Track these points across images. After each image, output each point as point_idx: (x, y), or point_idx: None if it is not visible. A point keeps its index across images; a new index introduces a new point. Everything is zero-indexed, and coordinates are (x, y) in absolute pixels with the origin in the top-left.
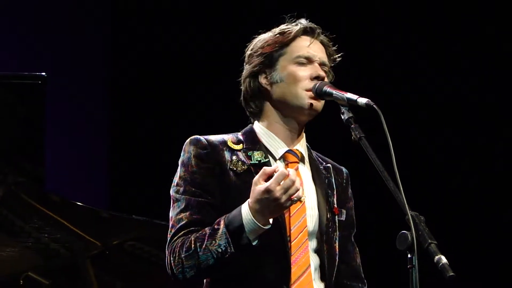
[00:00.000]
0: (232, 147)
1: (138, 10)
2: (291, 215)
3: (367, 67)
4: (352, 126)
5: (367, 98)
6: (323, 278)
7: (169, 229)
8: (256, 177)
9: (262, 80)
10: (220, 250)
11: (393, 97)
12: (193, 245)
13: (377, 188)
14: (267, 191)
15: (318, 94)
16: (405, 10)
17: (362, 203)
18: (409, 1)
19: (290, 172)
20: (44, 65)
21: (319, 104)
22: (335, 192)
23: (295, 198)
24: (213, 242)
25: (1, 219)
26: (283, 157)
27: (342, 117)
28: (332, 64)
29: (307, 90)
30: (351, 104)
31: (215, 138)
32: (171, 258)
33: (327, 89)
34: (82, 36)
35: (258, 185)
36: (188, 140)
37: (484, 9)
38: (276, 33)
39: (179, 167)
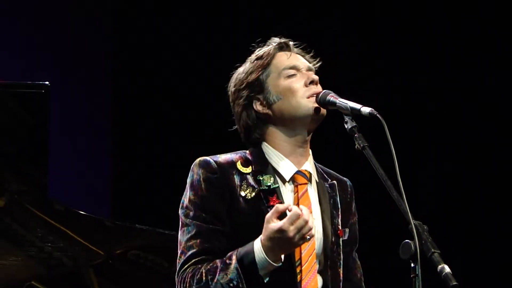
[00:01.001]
0: (241, 170)
1: (140, 10)
2: None
3: (370, 74)
4: (356, 136)
5: (371, 107)
6: (323, 273)
7: (179, 254)
8: (269, 214)
9: (258, 107)
10: (231, 285)
11: (396, 106)
12: (204, 277)
13: (380, 197)
14: (281, 230)
15: (322, 103)
16: (405, 12)
17: (365, 212)
18: (412, 4)
19: (304, 212)
20: (46, 72)
21: (323, 108)
22: (339, 212)
23: (308, 237)
24: (225, 276)
25: (4, 227)
26: (292, 179)
27: (346, 127)
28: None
29: (308, 97)
30: (355, 113)
31: (224, 159)
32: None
33: (331, 98)
34: (84, 40)
35: (271, 224)
36: (197, 162)
37: (484, 9)
38: (253, 60)
39: (187, 189)
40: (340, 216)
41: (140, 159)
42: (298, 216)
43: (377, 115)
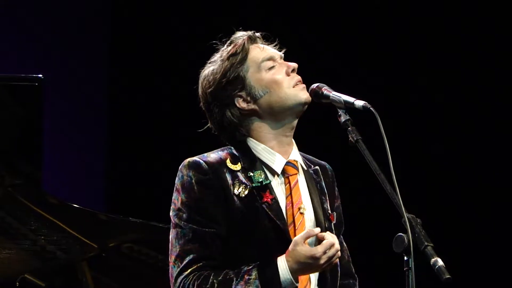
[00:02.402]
0: (231, 167)
1: (138, 7)
2: (296, 228)
3: (363, 68)
4: (349, 129)
5: (364, 100)
6: None
7: (174, 257)
8: (299, 238)
9: (242, 104)
10: None
11: (389, 99)
12: None
13: (374, 191)
14: (314, 257)
15: (315, 96)
16: (404, 9)
17: (358, 205)
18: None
19: (335, 241)
20: (41, 64)
21: (308, 95)
22: (327, 197)
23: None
24: None
25: None
26: (283, 171)
27: (339, 120)
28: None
29: (293, 87)
30: (348, 106)
31: (213, 158)
32: None
33: (324, 91)
34: (79, 33)
35: (301, 247)
36: (185, 163)
37: (484, 9)
38: (226, 57)
39: (178, 190)
40: (328, 201)
41: (134, 152)
42: (331, 246)
43: (371, 108)
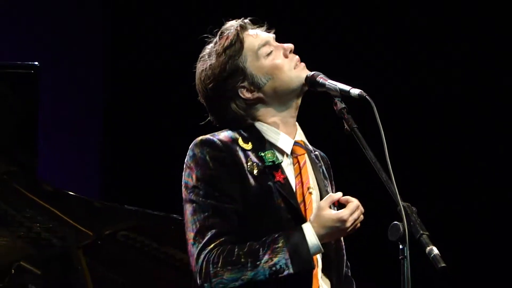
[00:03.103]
0: (243, 146)
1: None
2: (306, 208)
3: (359, 57)
4: (345, 117)
5: (360, 88)
6: (328, 274)
7: (194, 233)
8: (324, 202)
9: (246, 94)
10: (275, 269)
11: (385, 87)
12: (242, 259)
13: (369, 179)
14: (341, 220)
15: (311, 85)
16: (402, 3)
17: (353, 194)
18: None
19: (359, 204)
20: (35, 51)
21: (308, 71)
22: (328, 182)
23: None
24: (269, 260)
25: None
26: (291, 151)
27: (335, 108)
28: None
29: (294, 68)
30: (344, 95)
31: (225, 136)
32: (210, 267)
33: (320, 80)
34: (76, 20)
35: (327, 211)
36: (198, 141)
37: (484, 8)
38: (222, 50)
39: (192, 169)
40: (329, 185)
41: (130, 140)
42: (357, 207)
43: (367, 96)
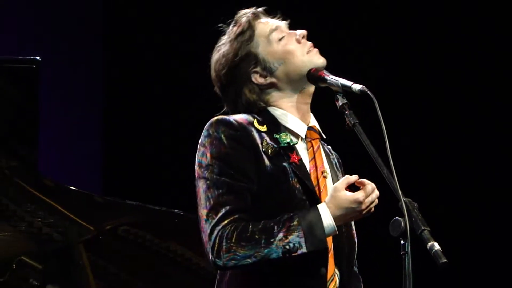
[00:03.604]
0: (258, 127)
1: None
2: (320, 191)
3: (360, 52)
4: (346, 113)
5: (362, 84)
6: (338, 262)
7: (207, 210)
8: (340, 184)
9: (259, 79)
10: (289, 247)
11: (387, 82)
12: (256, 236)
13: (371, 174)
14: (357, 201)
15: (313, 80)
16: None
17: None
18: None
19: (374, 186)
20: (36, 46)
21: (323, 58)
22: (341, 173)
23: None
24: (284, 238)
25: None
26: (305, 135)
27: (336, 104)
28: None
29: (307, 53)
30: (346, 90)
31: (240, 118)
32: (223, 243)
33: (322, 75)
34: (75, 14)
35: (344, 193)
36: (213, 121)
37: (484, 6)
38: (234, 38)
39: (206, 147)
40: (342, 176)
41: (132, 135)
42: (373, 190)
43: (368, 92)
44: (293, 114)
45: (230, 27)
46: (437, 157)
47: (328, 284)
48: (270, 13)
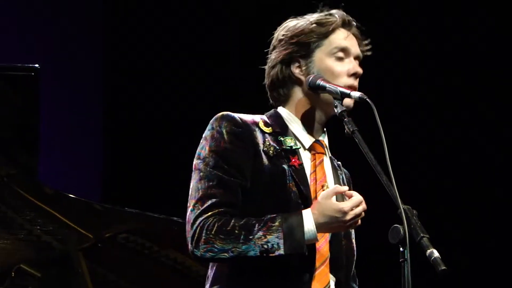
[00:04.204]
0: (262, 128)
1: None
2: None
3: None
4: (345, 120)
5: (361, 91)
6: (336, 274)
7: (194, 200)
8: (327, 192)
9: (295, 69)
10: (267, 247)
11: (386, 90)
12: (236, 231)
13: (370, 181)
14: (342, 211)
15: (312, 87)
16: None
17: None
18: None
19: (363, 200)
20: (36, 53)
21: (352, 102)
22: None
23: (355, 225)
24: (263, 237)
25: None
26: (311, 147)
27: (335, 111)
28: (364, 53)
29: (346, 87)
30: (345, 97)
31: (246, 117)
32: (202, 233)
33: (321, 82)
34: (75, 21)
35: (330, 201)
36: (219, 115)
37: (482, 5)
38: (312, 22)
39: (207, 140)
40: None
41: (131, 143)
42: (360, 203)
43: (367, 99)
44: (304, 123)
45: (322, 12)
46: (436, 165)
47: None
48: (361, 34)
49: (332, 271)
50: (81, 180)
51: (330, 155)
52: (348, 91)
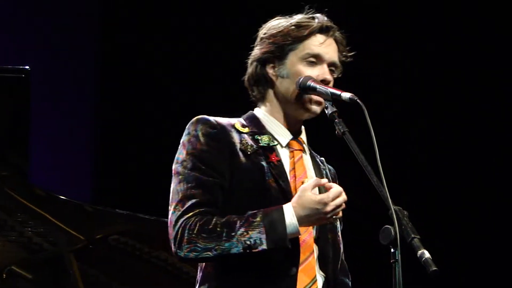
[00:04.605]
0: (239, 129)
1: None
2: None
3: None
4: (336, 121)
5: (351, 92)
6: (324, 268)
7: (175, 203)
8: (308, 184)
9: (269, 70)
10: (249, 243)
11: (376, 90)
12: (218, 229)
13: (360, 182)
14: (322, 203)
15: (302, 88)
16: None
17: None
18: None
19: (343, 192)
20: (27, 55)
21: (318, 109)
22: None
23: (336, 217)
24: (245, 233)
25: None
26: (288, 144)
27: (326, 112)
28: (343, 59)
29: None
30: (335, 98)
31: (221, 120)
32: (185, 233)
33: (311, 83)
34: (68, 22)
35: (310, 193)
36: (194, 119)
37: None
38: (292, 24)
39: (184, 145)
40: None
41: (122, 144)
42: (340, 194)
43: (358, 100)
44: (280, 122)
45: (304, 14)
46: (427, 165)
47: (309, 286)
48: (342, 35)
49: (321, 267)
50: (72, 181)
51: (310, 151)
52: (338, 92)
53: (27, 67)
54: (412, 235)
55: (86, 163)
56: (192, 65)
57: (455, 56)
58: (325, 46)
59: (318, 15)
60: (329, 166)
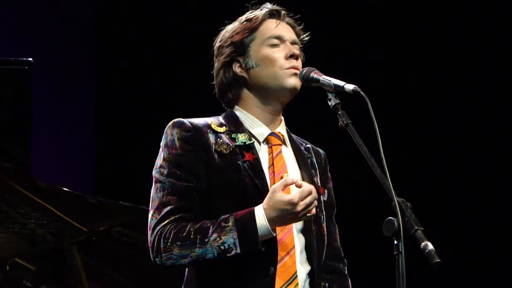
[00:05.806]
0: (215, 129)
1: None
2: None
3: (353, 52)
4: (339, 113)
5: (354, 84)
6: (310, 259)
7: (153, 210)
8: (277, 185)
9: (237, 69)
10: (223, 248)
11: (380, 82)
12: (192, 236)
13: (364, 174)
14: (291, 203)
15: (305, 80)
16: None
17: (348, 189)
18: None
19: (313, 189)
20: (28, 47)
21: (298, 83)
22: (317, 172)
23: (310, 215)
24: (218, 238)
25: None
26: (266, 140)
27: (329, 104)
28: (301, 45)
29: (285, 69)
30: (338, 90)
31: (198, 121)
32: (161, 242)
33: (314, 75)
34: (68, 15)
35: (279, 194)
36: (170, 123)
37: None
38: (243, 21)
39: (162, 150)
40: (318, 175)
41: (125, 136)
42: (310, 192)
43: (361, 92)
44: (258, 118)
45: (251, 10)
46: (430, 157)
47: (287, 283)
48: (293, 21)
49: (307, 260)
50: (75, 173)
51: (294, 142)
52: (341, 84)
53: (30, 59)
54: (416, 227)
55: (89, 154)
56: (192, 65)
57: (460, 49)
58: (280, 28)
59: (265, 4)
60: (319, 150)
